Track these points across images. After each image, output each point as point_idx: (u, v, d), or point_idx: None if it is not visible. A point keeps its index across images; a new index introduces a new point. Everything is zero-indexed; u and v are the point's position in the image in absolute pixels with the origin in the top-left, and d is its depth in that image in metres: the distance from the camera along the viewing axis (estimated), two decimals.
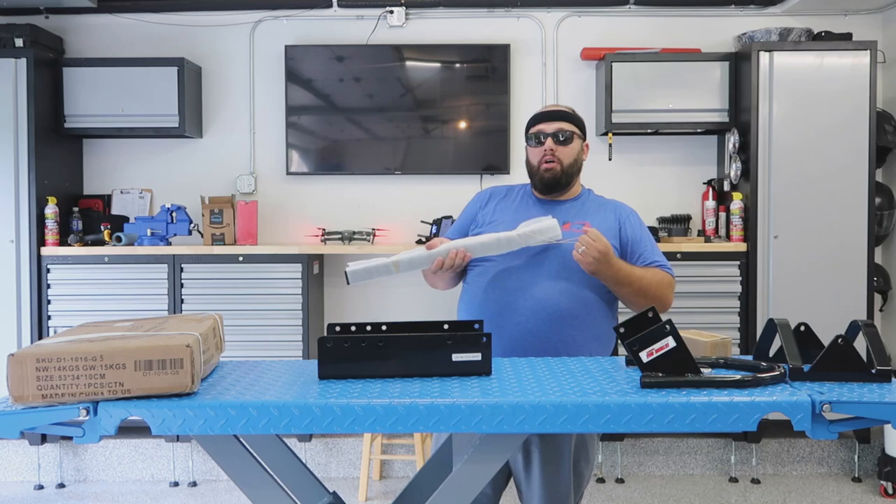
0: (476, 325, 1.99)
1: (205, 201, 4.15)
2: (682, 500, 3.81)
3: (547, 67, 4.40)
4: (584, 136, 2.45)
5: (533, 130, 2.42)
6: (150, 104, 4.13)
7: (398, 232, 4.36)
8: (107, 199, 4.40)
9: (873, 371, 1.75)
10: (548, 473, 2.17)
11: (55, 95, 4.13)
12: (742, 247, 3.99)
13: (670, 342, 1.73)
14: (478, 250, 2.28)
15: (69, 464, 4.14)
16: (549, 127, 2.39)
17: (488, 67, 4.36)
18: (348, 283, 2.27)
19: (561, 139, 2.37)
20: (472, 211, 2.51)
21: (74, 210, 4.23)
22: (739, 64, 4.06)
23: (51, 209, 4.01)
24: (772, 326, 1.93)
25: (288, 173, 4.38)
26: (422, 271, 2.41)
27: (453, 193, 4.27)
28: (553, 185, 2.39)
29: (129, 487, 4.05)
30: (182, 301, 4.00)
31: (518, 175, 4.32)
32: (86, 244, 4.09)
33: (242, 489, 1.78)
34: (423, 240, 4.14)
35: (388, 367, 1.82)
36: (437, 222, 4.19)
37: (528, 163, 2.44)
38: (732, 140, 4.05)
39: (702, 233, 4.23)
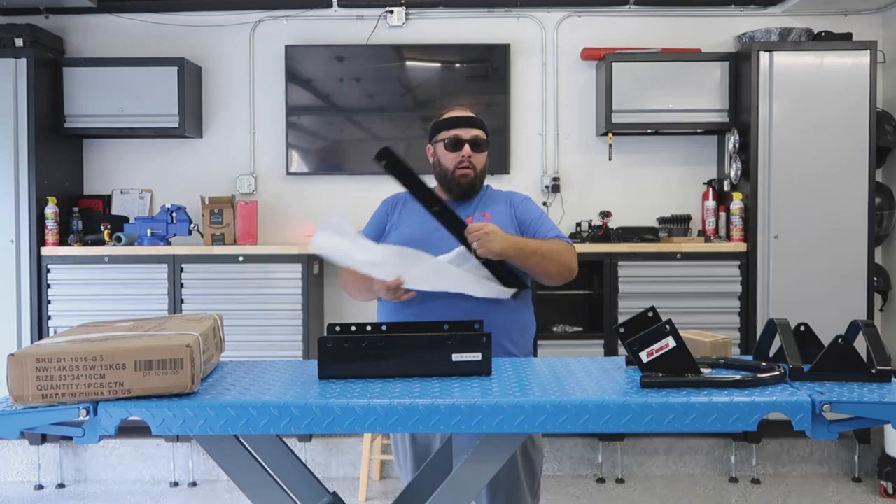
0: (476, 325, 1.99)
1: (205, 201, 4.15)
2: (682, 500, 3.81)
3: (547, 67, 4.39)
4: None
5: (449, 135, 2.45)
6: (150, 104, 4.12)
7: None
8: (107, 199, 4.40)
9: (873, 371, 1.75)
10: None
11: (55, 95, 4.12)
12: (742, 247, 3.99)
13: (670, 342, 1.73)
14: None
15: (69, 464, 4.14)
16: (467, 133, 2.44)
17: (488, 67, 4.36)
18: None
19: (477, 146, 2.44)
20: (381, 216, 2.53)
21: (74, 210, 4.22)
22: (739, 64, 4.06)
23: (51, 209, 4.01)
24: (772, 326, 1.93)
25: (288, 173, 4.38)
26: (343, 278, 2.44)
27: None
28: (468, 189, 2.45)
29: (129, 487, 4.05)
30: (182, 301, 4.00)
31: (518, 176, 4.33)
32: (86, 244, 4.09)
33: (242, 489, 1.78)
34: None
35: (388, 367, 1.82)
36: None
37: (439, 165, 2.48)
38: (732, 140, 4.05)
39: (702, 233, 4.23)
